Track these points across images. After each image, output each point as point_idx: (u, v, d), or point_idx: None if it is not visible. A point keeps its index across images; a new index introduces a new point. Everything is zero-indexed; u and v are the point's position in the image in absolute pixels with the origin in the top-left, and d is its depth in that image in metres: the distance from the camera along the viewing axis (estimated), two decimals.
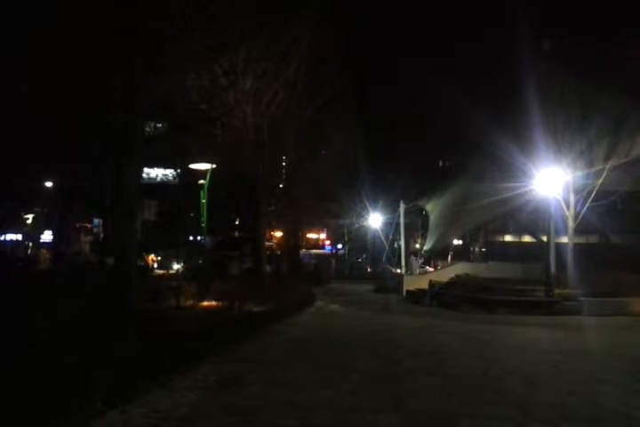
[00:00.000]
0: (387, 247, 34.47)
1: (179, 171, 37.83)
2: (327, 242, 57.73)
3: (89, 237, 47.68)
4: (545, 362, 8.79)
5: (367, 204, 36.94)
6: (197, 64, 12.05)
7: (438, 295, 20.68)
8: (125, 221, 12.19)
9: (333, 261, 48.34)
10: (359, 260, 55.51)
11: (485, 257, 34.84)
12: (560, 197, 19.55)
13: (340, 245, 55.69)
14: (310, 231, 53.52)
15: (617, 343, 11.07)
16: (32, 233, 45.26)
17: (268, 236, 35.24)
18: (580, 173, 20.52)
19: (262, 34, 13.70)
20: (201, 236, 20.64)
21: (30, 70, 11.44)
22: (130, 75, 10.19)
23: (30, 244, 44.69)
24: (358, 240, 50.79)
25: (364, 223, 41.47)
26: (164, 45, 10.23)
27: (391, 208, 33.85)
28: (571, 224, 20.53)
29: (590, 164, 20.62)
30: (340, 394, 6.34)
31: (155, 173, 46.53)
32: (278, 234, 41.11)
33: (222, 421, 5.33)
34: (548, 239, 19.17)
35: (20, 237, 45.75)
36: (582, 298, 16.73)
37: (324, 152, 27.03)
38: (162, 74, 10.67)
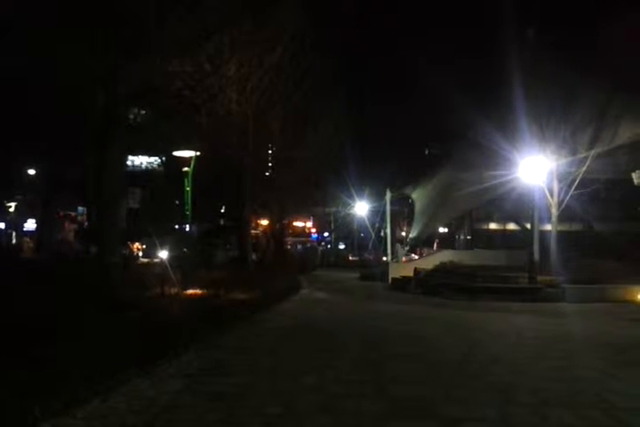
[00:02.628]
0: (373, 235, 34.58)
1: (164, 158, 37.52)
2: (313, 230, 57.79)
3: (73, 226, 47.27)
4: (526, 348, 8.91)
5: (353, 192, 36.97)
6: (181, 50, 11.90)
7: (423, 283, 20.80)
8: (109, 209, 12.10)
9: (320, 248, 48.49)
10: (340, 247, 55.68)
11: (470, 245, 35.10)
12: (544, 185, 19.69)
13: (326, 234, 55.79)
14: (296, 219, 53.49)
15: (598, 330, 11.23)
16: (15, 221, 44.76)
17: (253, 224, 35.18)
18: (563, 161, 20.69)
19: (246, 19, 13.56)
20: (186, 224, 20.56)
21: (10, 57, 11.26)
22: (111, 60, 10.04)
23: (13, 232, 44.20)
24: (344, 228, 50.93)
25: (351, 211, 41.54)
26: (146, 30, 10.09)
27: (377, 196, 33.92)
28: (554, 212, 20.72)
29: (574, 151, 20.80)
30: (325, 381, 6.37)
31: (139, 160, 46.05)
32: (264, 222, 41.05)
33: (207, 408, 5.33)
34: (532, 227, 19.35)
35: (2, 225, 45.23)
36: (565, 285, 16.93)
37: (310, 140, 26.93)
38: (144, 59, 10.53)
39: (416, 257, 30.21)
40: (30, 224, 44.10)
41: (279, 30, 18.52)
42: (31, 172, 38.80)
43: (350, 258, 49.80)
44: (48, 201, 36.70)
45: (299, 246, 50.27)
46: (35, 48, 10.78)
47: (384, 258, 32.46)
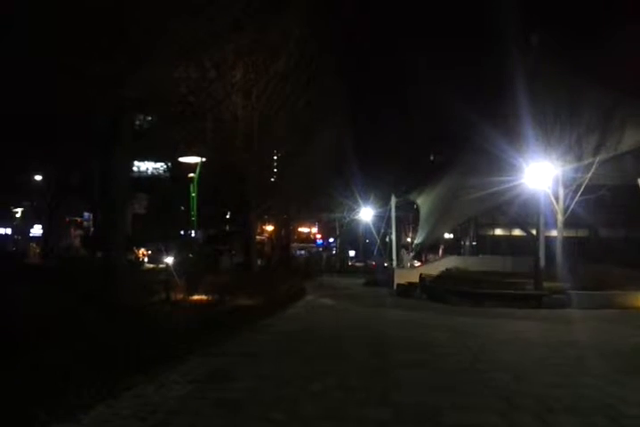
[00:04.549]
0: (378, 241, 34.52)
1: (169, 164, 37.64)
2: (318, 236, 57.78)
3: (79, 231, 47.47)
4: (532, 355, 8.87)
5: (358, 197, 36.95)
6: (186, 56, 11.95)
7: (428, 289, 20.75)
8: (114, 214, 12.13)
9: (324, 255, 48.45)
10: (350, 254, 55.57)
11: (476, 251, 35.02)
12: (549, 191, 19.65)
13: (331, 239, 55.75)
14: (301, 225, 53.53)
15: (603, 336, 11.17)
16: (21, 227, 45.00)
17: (259, 230, 35.21)
18: (569, 167, 20.64)
19: (250, 25, 13.63)
20: (191, 230, 20.62)
21: (17, 65, 11.32)
22: (116, 67, 10.09)
23: (19, 238, 44.42)
24: (350, 234, 50.88)
25: (356, 217, 41.53)
26: (150, 36, 10.14)
27: (382, 202, 33.88)
28: (560, 218, 20.67)
29: (579, 157, 20.75)
30: (329, 387, 6.36)
31: (145, 166, 46.26)
32: (269, 228, 41.11)
33: (210, 414, 5.34)
34: (538, 233, 19.26)
35: (9, 231, 45.47)
36: (570, 291, 16.84)
37: (314, 145, 26.97)
38: (149, 65, 10.58)
39: (418, 264, 30.08)
40: (37, 230, 44.32)
41: (283, 36, 18.59)
42: (37, 178, 39.00)
43: (353, 264, 49.80)
44: (54, 207, 36.88)
45: (303, 252, 50.27)
46: (37, 53, 10.82)
47: (385, 264, 32.45)
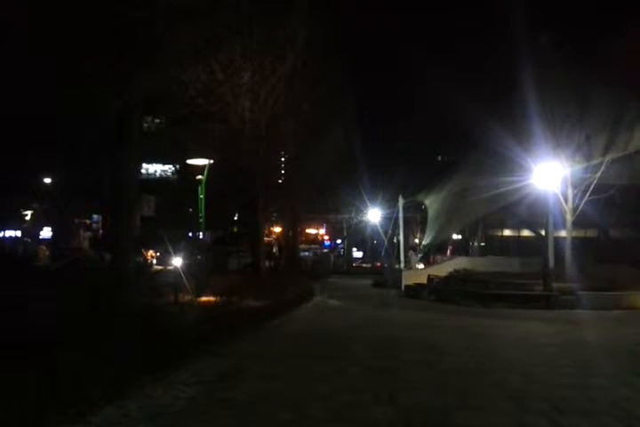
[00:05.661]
0: (385, 242, 34.44)
1: (177, 166, 37.74)
2: (326, 237, 57.71)
3: (88, 234, 47.74)
4: (541, 355, 8.83)
5: (366, 198, 36.88)
6: (194, 58, 12.00)
7: (437, 290, 20.70)
8: (124, 216, 12.19)
9: (332, 256, 48.42)
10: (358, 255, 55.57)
11: (484, 251, 34.86)
12: (558, 191, 19.55)
13: (339, 241, 55.69)
14: (309, 226, 53.47)
15: (612, 337, 11.12)
16: (31, 229, 45.26)
17: (266, 231, 35.26)
18: (578, 167, 20.53)
19: (257, 28, 13.69)
20: (200, 231, 20.66)
21: (26, 68, 11.40)
22: (124, 69, 10.13)
23: (29, 240, 44.64)
24: (358, 235, 50.83)
25: (363, 218, 41.49)
26: (159, 39, 10.18)
27: (390, 203, 33.79)
28: (569, 218, 20.54)
29: (588, 157, 20.65)
30: (337, 388, 6.36)
31: (153, 168, 46.38)
32: (277, 229, 41.15)
33: (219, 414, 5.36)
34: (546, 233, 19.17)
35: (19, 233, 45.75)
36: (580, 292, 16.74)
37: (321, 146, 27.01)
38: (157, 68, 10.62)
39: (421, 266, 29.94)
40: (46, 232, 44.55)
41: (290, 38, 18.61)
42: (47, 180, 39.20)
43: (358, 264, 49.82)
44: (63, 209, 37.08)
45: (307, 253, 50.22)
46: (38, 52, 10.86)
47: (385, 265, 32.31)
